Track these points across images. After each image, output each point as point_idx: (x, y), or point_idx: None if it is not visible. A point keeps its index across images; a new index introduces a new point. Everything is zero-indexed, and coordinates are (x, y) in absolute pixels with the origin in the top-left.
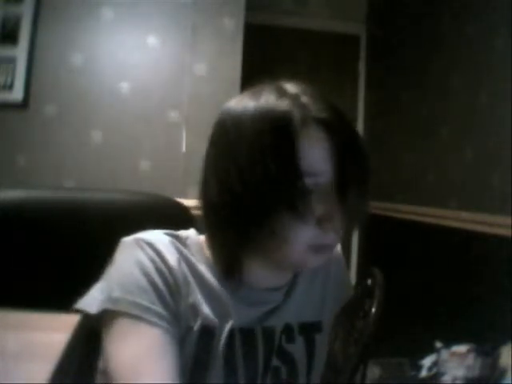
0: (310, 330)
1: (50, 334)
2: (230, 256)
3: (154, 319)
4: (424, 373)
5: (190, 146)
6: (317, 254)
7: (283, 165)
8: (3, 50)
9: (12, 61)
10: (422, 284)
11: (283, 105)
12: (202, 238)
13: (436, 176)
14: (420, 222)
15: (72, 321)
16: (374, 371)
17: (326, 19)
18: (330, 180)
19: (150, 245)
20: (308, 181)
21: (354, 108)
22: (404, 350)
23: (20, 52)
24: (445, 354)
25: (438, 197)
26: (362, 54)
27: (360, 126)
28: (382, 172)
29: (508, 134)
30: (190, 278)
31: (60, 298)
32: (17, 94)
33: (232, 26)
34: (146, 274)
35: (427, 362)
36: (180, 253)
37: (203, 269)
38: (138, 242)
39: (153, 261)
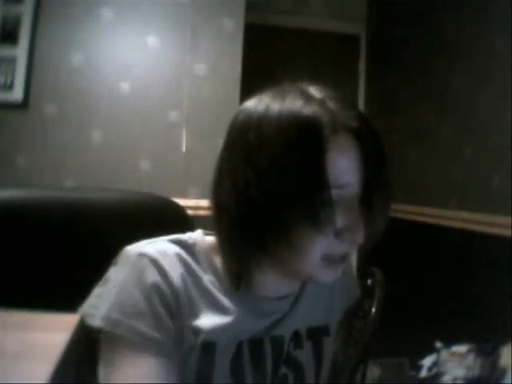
0: (317, 333)
1: (50, 334)
2: (240, 263)
3: (153, 346)
4: (424, 373)
5: (190, 146)
6: (330, 265)
7: (308, 175)
8: (3, 50)
9: (12, 61)
10: (422, 284)
11: (311, 110)
12: (210, 240)
13: (436, 176)
14: (420, 222)
15: (72, 321)
16: (373, 371)
17: (325, 19)
18: (355, 191)
19: (154, 262)
20: (333, 192)
21: None
22: (404, 350)
23: (20, 52)
24: (445, 353)
25: (438, 197)
26: (362, 53)
27: None
28: None
29: (508, 134)
30: (196, 295)
31: (60, 298)
32: (17, 94)
33: (232, 26)
34: (148, 298)
35: (427, 362)
36: (186, 267)
37: (210, 279)
38: (141, 258)
39: (155, 285)
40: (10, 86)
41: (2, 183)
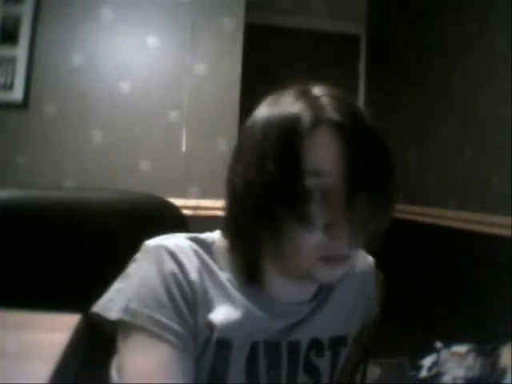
0: (337, 343)
1: (50, 334)
2: (246, 260)
3: (171, 337)
4: (424, 373)
5: (190, 146)
6: (329, 266)
7: (283, 166)
8: (3, 50)
9: (12, 61)
10: (422, 284)
11: (295, 107)
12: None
13: (436, 176)
14: (420, 222)
15: (72, 321)
16: (373, 371)
17: (325, 19)
18: (338, 184)
19: (173, 255)
20: (312, 183)
21: None
22: (404, 350)
23: (20, 52)
24: (445, 353)
25: (438, 197)
26: (362, 53)
27: None
28: None
29: (508, 134)
30: (211, 290)
31: (60, 298)
32: (17, 94)
33: (232, 26)
34: (166, 289)
35: (427, 362)
36: (202, 262)
37: (226, 277)
38: (160, 250)
39: (174, 274)
40: (10, 86)
41: (1, 183)
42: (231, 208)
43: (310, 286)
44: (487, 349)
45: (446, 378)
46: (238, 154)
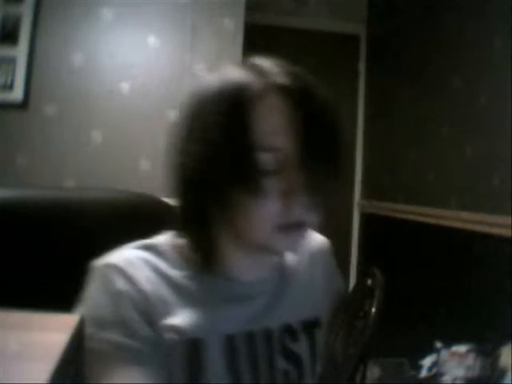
0: (310, 326)
1: (49, 334)
2: (201, 240)
3: (129, 355)
4: (424, 373)
5: None
6: (287, 234)
7: (232, 138)
8: (3, 50)
9: (12, 61)
10: (422, 284)
11: (241, 74)
12: (181, 239)
13: (436, 176)
14: (420, 222)
15: (72, 321)
16: (373, 371)
17: (325, 19)
18: (290, 152)
19: (121, 270)
20: (263, 154)
21: (354, 108)
22: (404, 350)
23: (20, 52)
24: (445, 353)
25: (438, 197)
26: (362, 53)
27: (360, 126)
28: (382, 172)
29: (508, 134)
30: (167, 293)
31: (60, 298)
32: (17, 94)
33: (232, 26)
34: (117, 307)
35: (427, 362)
36: (154, 269)
37: (182, 275)
38: (108, 269)
39: (125, 290)
40: (10, 86)
41: (1, 183)
42: (183, 186)
43: (266, 258)
44: (487, 349)
45: (446, 378)
46: (184, 128)
